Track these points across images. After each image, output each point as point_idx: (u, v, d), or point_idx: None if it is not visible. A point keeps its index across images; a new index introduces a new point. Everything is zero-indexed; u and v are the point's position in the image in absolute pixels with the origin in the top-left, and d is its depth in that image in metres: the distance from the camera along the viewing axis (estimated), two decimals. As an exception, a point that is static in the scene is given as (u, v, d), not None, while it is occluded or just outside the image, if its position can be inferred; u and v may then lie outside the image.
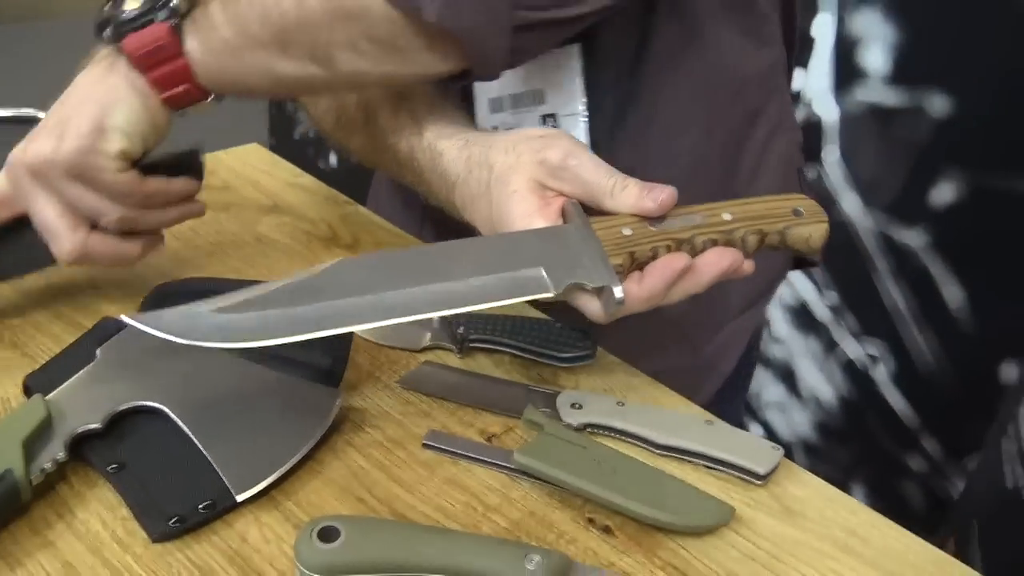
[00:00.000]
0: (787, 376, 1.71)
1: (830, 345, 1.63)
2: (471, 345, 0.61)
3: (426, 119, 0.64)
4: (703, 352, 0.78)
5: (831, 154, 1.47)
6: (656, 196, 0.54)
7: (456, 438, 0.53)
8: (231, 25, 0.55)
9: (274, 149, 3.04)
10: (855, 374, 1.62)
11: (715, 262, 0.54)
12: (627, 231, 0.53)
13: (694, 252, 0.54)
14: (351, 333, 0.58)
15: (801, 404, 1.72)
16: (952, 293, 1.45)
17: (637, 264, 0.53)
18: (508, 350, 0.61)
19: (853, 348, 1.61)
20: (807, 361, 1.68)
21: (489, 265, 0.51)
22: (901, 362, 1.55)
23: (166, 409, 0.51)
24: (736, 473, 0.52)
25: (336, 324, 0.49)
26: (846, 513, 0.51)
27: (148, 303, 0.60)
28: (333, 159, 2.43)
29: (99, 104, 0.55)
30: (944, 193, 1.37)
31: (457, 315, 0.62)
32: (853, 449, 1.67)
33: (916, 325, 1.50)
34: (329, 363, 0.56)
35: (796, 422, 1.73)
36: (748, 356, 0.86)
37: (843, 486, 1.81)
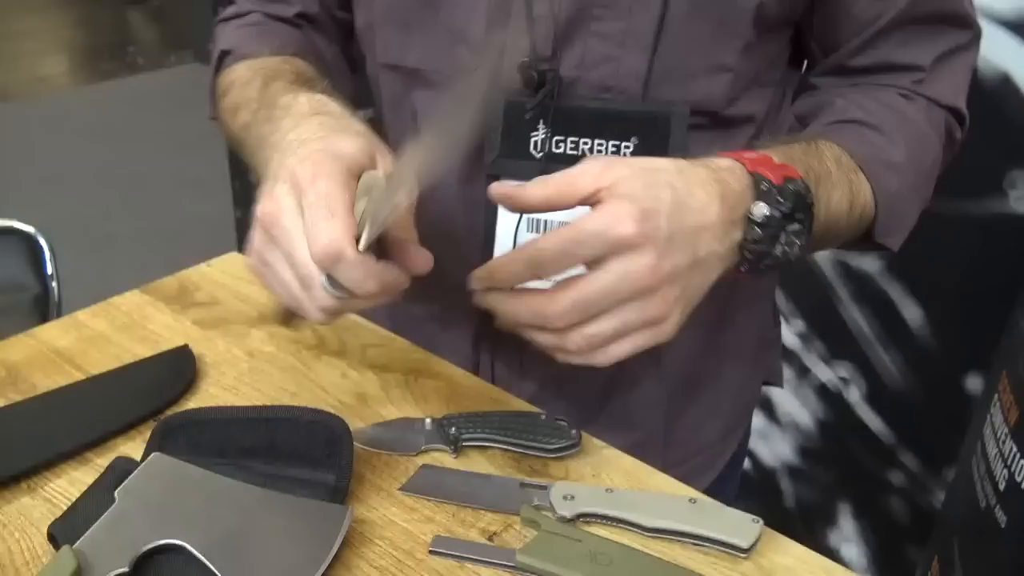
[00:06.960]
0: (765, 404, 1.76)
1: (802, 371, 1.68)
2: (464, 444, 0.65)
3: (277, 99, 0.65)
4: (674, 472, 0.67)
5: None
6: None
7: (460, 542, 0.57)
8: None
9: (241, 220, 3.00)
10: (829, 397, 1.66)
11: None
12: None
13: None
14: (351, 445, 0.61)
15: (781, 430, 1.77)
16: (911, 313, 1.50)
17: None
18: (499, 445, 0.65)
19: (824, 372, 1.66)
20: (782, 388, 1.73)
21: None
22: (871, 382, 1.60)
23: (187, 545, 0.54)
24: (721, 548, 0.57)
25: None
26: (826, 576, 0.56)
27: (156, 435, 0.63)
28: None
29: None
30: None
31: (449, 417, 0.66)
32: (835, 470, 1.70)
33: (881, 345, 1.55)
34: (333, 479, 0.60)
35: (779, 449, 1.77)
36: (733, 463, 0.86)
37: (830, 507, 1.82)
